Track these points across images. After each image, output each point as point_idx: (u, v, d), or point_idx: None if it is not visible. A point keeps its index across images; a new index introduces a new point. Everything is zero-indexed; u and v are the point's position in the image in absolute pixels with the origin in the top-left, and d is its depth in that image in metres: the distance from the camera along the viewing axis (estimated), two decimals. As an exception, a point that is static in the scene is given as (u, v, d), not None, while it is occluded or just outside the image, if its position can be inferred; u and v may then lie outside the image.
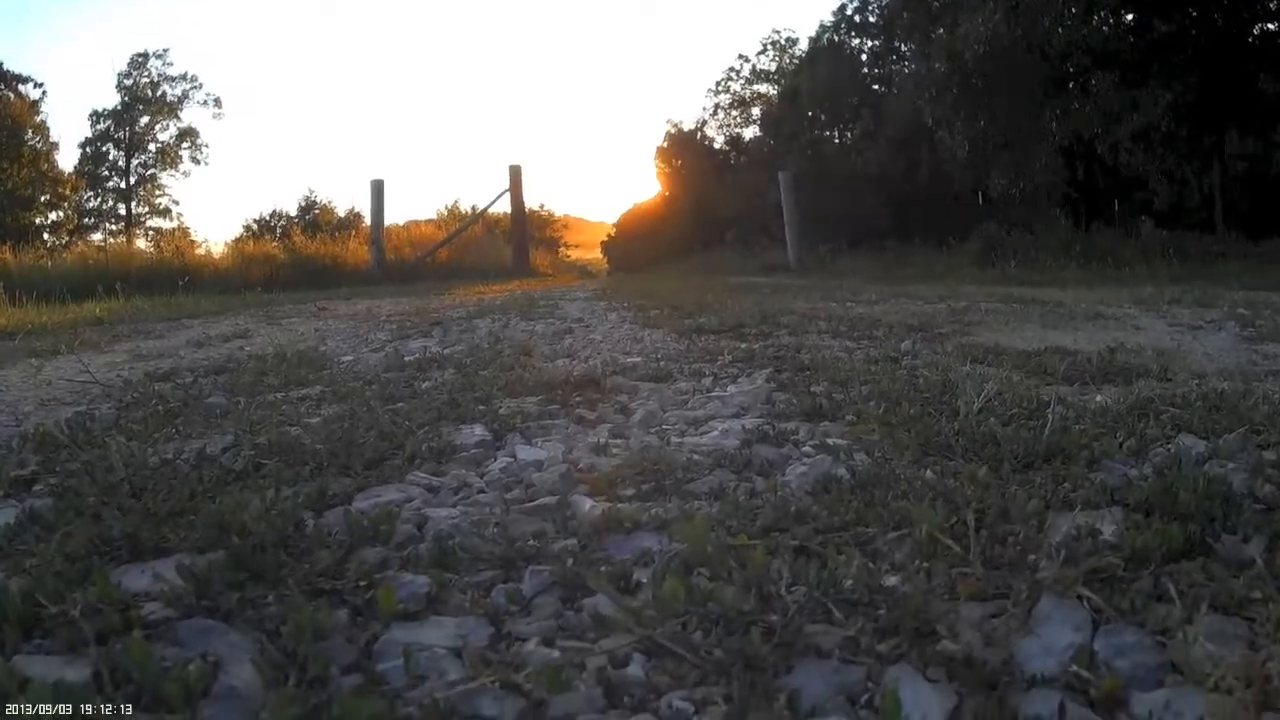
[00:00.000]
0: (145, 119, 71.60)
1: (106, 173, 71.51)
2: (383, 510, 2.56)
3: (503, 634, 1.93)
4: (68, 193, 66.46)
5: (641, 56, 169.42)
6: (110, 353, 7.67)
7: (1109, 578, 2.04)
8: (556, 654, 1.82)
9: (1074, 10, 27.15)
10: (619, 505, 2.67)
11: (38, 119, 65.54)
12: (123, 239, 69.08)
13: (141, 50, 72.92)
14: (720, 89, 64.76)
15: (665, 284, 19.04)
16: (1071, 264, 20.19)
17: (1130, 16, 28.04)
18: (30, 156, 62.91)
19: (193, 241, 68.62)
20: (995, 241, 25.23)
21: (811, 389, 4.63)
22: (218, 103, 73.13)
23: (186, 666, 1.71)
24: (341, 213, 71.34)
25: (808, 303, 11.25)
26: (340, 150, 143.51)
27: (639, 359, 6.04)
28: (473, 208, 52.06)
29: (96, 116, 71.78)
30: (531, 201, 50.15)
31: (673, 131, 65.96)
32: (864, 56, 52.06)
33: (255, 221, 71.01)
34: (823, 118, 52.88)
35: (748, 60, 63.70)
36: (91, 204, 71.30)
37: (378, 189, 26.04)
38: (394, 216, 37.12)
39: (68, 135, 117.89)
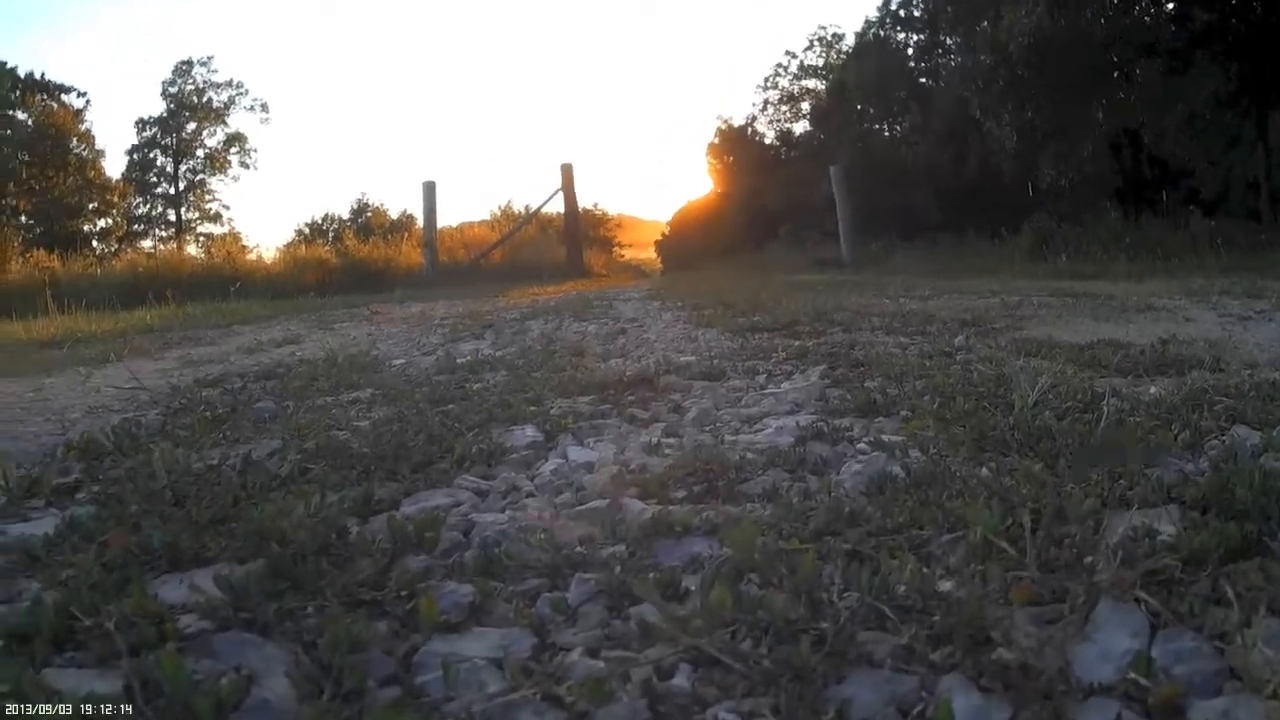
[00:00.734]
0: (192, 125, 71.88)
1: (155, 179, 71.74)
2: (428, 516, 2.50)
3: (546, 644, 1.88)
4: (116, 200, 66.75)
5: (691, 54, 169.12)
6: (160, 360, 7.66)
7: (1167, 580, 1.98)
8: (601, 665, 1.76)
9: (1115, 1, 26.93)
10: (670, 508, 2.61)
11: (82, 127, 65.97)
12: (173, 245, 69.53)
13: (185, 58, 73.57)
14: (769, 84, 64.48)
15: (719, 282, 18.93)
16: (1121, 256, 19.97)
17: (1171, 6, 27.82)
18: (76, 164, 63.27)
19: (244, 246, 69.16)
20: (1046, 234, 24.99)
21: (865, 385, 4.56)
22: (264, 108, 73.20)
23: (219, 680, 1.67)
24: (394, 215, 71.57)
25: (860, 299, 11.14)
26: (391, 152, 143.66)
27: (693, 358, 5.98)
28: (526, 208, 52.01)
29: (142, 124, 72.02)
30: (585, 201, 50.05)
31: (724, 128, 65.64)
32: (910, 50, 51.72)
33: (307, 225, 71.36)
34: (871, 111, 52.65)
35: (795, 56, 63.39)
36: (140, 210, 71.58)
37: (429, 190, 25.91)
38: (446, 219, 37.11)
39: (113, 143, 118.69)
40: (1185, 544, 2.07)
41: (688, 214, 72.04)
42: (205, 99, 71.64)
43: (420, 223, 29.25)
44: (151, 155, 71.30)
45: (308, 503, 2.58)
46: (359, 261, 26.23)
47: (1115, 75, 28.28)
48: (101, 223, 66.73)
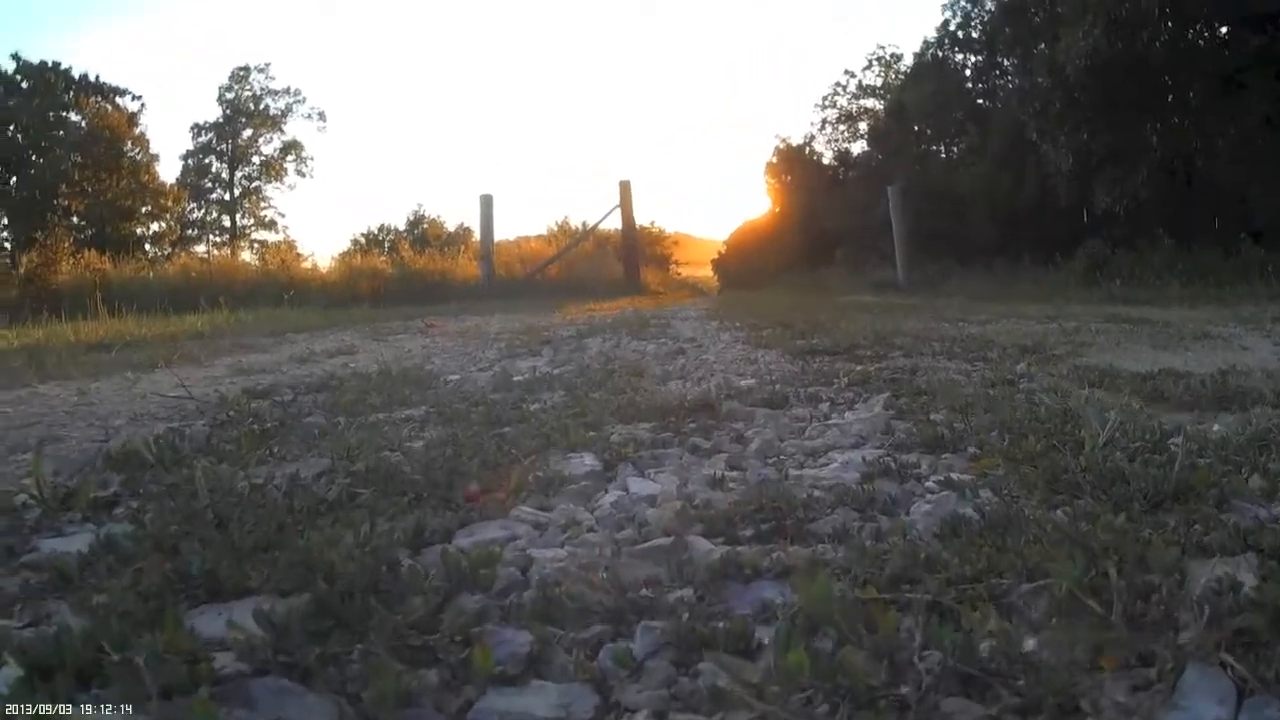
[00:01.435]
0: (248, 132, 72.17)
1: (210, 184, 72.10)
2: (484, 551, 2.35)
3: (610, 703, 1.74)
4: (169, 204, 67.03)
5: (751, 72, 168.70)
6: (209, 367, 7.56)
7: (1252, 642, 1.84)
8: (668, 729, 1.61)
9: (1170, 24, 26.68)
10: (738, 549, 2.47)
11: (137, 130, 66.28)
12: (227, 250, 69.87)
13: (243, 64, 74.25)
14: (827, 104, 64.33)
15: (776, 302, 18.79)
16: (1174, 281, 19.90)
17: (1224, 30, 27.52)
18: (130, 168, 63.55)
19: (299, 254, 69.64)
20: (1100, 259, 24.89)
21: (931, 417, 4.43)
22: (321, 116, 73.63)
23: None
24: (450, 227, 71.74)
25: (919, 322, 10.96)
26: (449, 164, 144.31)
27: (753, 381, 5.88)
28: (583, 224, 52.00)
29: (198, 129, 72.49)
30: (642, 218, 49.90)
31: (782, 147, 65.54)
32: (967, 71, 51.42)
33: (363, 235, 71.53)
34: (928, 132, 52.38)
35: (854, 75, 63.23)
36: (195, 215, 71.93)
37: (487, 204, 25.78)
38: (503, 232, 37.05)
39: (168, 148, 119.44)
40: (1269, 599, 1.93)
41: (745, 233, 71.92)
42: (262, 106, 71.92)
43: (477, 234, 29.20)
44: (207, 161, 71.79)
45: (357, 531, 2.46)
46: (415, 273, 26.18)
47: (1169, 99, 28.03)
48: (155, 226, 66.95)
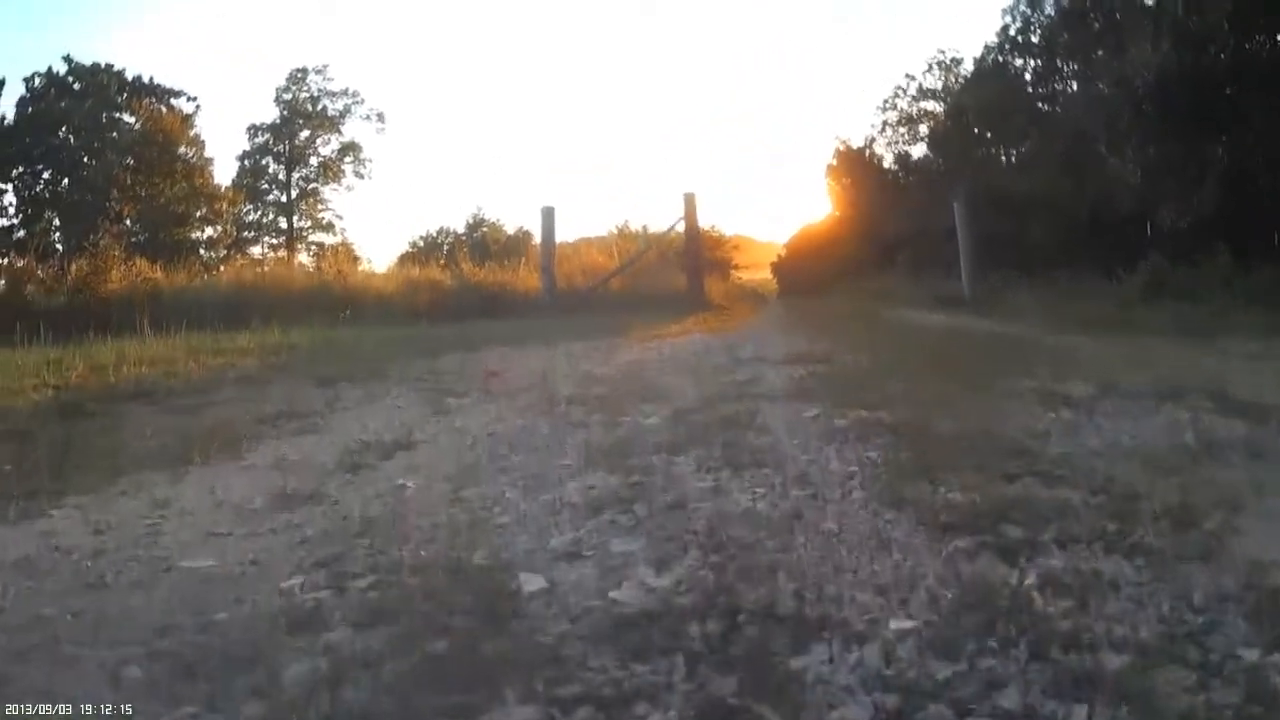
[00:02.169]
0: (305, 133, 72.19)
1: (266, 186, 72.28)
2: None
3: None
4: (224, 209, 67.06)
5: (811, 73, 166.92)
6: (247, 464, 6.60)
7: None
8: None
9: (1236, 36, 25.97)
10: None
11: (192, 132, 66.35)
12: (284, 253, 69.94)
13: (300, 65, 74.60)
14: (888, 106, 63.63)
15: (841, 315, 17.94)
16: (1240, 299, 19.31)
17: (1287, 41, 26.87)
18: (184, 171, 63.56)
19: (356, 258, 69.67)
20: (1162, 275, 24.28)
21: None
22: (380, 118, 73.66)
23: None
24: (510, 230, 71.56)
25: (1035, 380, 9.33)
26: (509, 165, 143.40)
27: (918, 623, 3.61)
28: (643, 227, 51.46)
29: (255, 130, 72.59)
30: (702, 222, 49.55)
31: (842, 149, 64.84)
32: (1027, 76, 50.80)
33: (422, 239, 71.47)
34: (988, 135, 51.66)
35: (914, 79, 62.47)
36: (251, 217, 72.10)
37: (548, 216, 24.88)
38: (563, 234, 36.27)
39: (224, 148, 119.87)
40: None
41: (804, 238, 71.01)
42: (320, 107, 71.94)
43: (537, 239, 28.74)
44: (264, 162, 72.08)
45: None
46: (474, 285, 25.40)
47: (1234, 112, 27.31)
48: (209, 231, 66.99)
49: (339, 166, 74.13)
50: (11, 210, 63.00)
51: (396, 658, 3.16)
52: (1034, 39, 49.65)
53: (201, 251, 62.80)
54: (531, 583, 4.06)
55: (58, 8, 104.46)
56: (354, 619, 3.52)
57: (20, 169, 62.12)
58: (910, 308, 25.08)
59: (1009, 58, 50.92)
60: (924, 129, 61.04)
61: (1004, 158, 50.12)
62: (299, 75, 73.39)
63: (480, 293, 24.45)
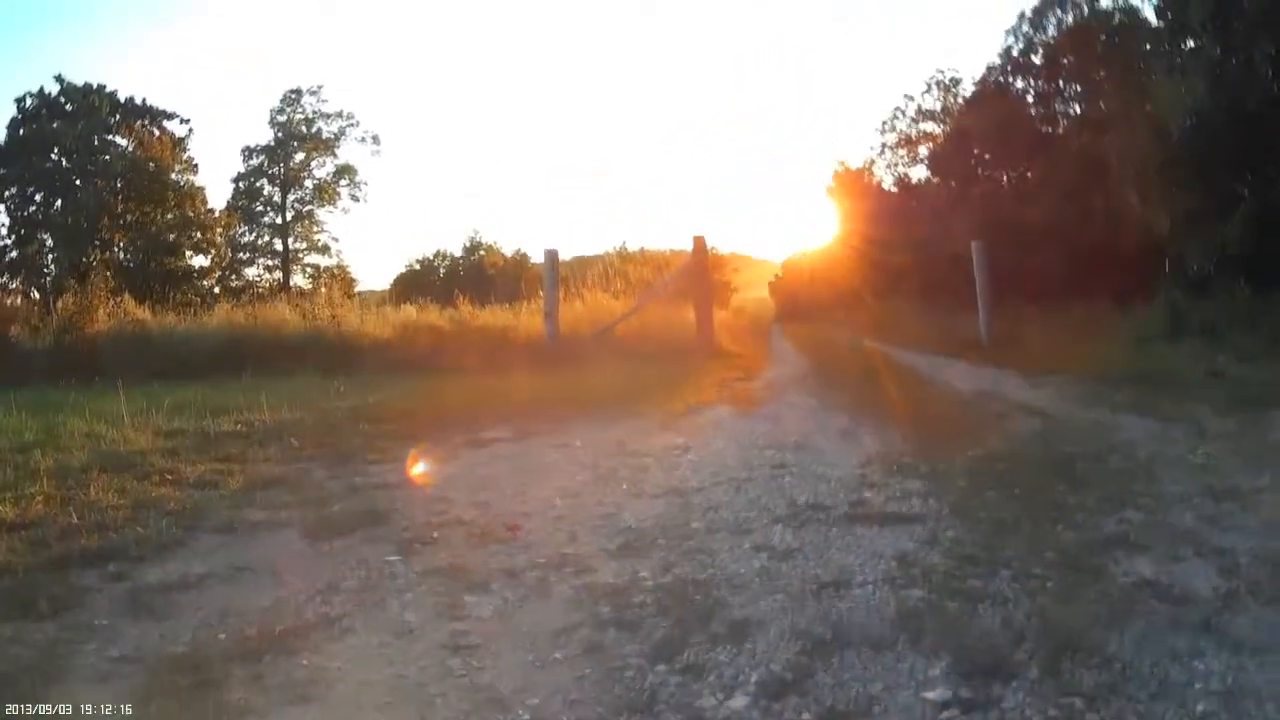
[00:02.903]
0: (300, 155, 71.98)
1: (261, 208, 72.08)
2: None
3: None
4: (216, 239, 66.68)
5: (811, 77, 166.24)
6: (180, 617, 5.51)
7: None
8: None
9: (1270, 73, 25.39)
10: None
11: (185, 155, 66.06)
12: (279, 275, 69.69)
13: (294, 86, 74.27)
14: (886, 128, 63.16)
15: (872, 387, 16.88)
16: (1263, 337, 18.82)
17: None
18: (175, 200, 63.10)
19: (351, 280, 69.27)
20: (1182, 311, 23.71)
21: None
22: (375, 140, 73.47)
23: None
24: (508, 252, 71.32)
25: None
26: (506, 173, 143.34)
27: None
28: (641, 249, 50.84)
29: (249, 151, 72.37)
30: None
31: (840, 171, 64.50)
32: (1030, 98, 50.33)
33: (418, 262, 71.22)
34: (986, 157, 51.11)
35: (913, 100, 61.98)
36: (246, 239, 71.86)
37: (551, 261, 23.50)
38: (561, 250, 35.32)
39: (218, 169, 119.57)
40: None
41: (803, 259, 70.71)
42: (315, 129, 71.75)
43: (535, 259, 27.94)
44: (258, 184, 71.85)
45: None
46: (475, 329, 24.34)
47: (1265, 151, 26.71)
48: (200, 260, 66.62)
49: (334, 189, 73.85)
50: (4, 230, 62.76)
51: None
52: (1036, 60, 49.45)
53: (195, 278, 62.65)
54: None
55: (49, 26, 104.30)
56: None
57: (13, 190, 61.68)
58: (927, 352, 24.16)
59: (1011, 79, 50.63)
60: (924, 150, 60.80)
61: (1004, 177, 49.63)
62: (293, 97, 73.24)
63: (481, 337, 23.34)
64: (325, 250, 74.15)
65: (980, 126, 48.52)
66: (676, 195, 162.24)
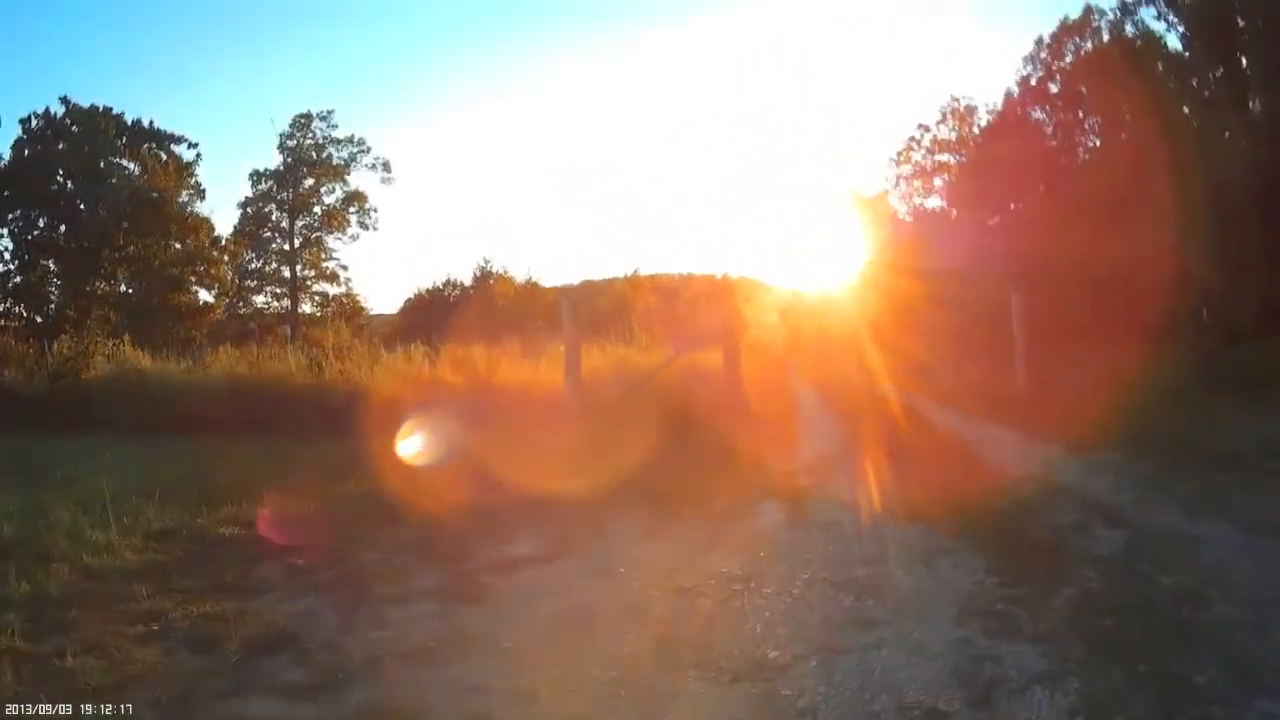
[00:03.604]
0: (309, 181, 71.31)
1: (269, 234, 71.42)
2: None
3: None
4: (222, 274, 65.87)
5: (818, 121, 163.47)
6: None
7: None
8: None
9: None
10: None
11: (192, 180, 65.33)
12: (286, 302, 69.05)
13: (304, 111, 73.15)
14: (902, 159, 62.33)
15: (908, 468, 15.60)
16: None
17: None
18: (179, 231, 62.23)
19: (360, 309, 68.60)
20: (1219, 361, 22.96)
21: None
22: (386, 167, 72.68)
23: None
24: (519, 279, 70.54)
25: None
26: (514, 205, 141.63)
27: None
28: (652, 276, 50.03)
29: (258, 176, 71.67)
30: (711, 268, 48.11)
31: (854, 199, 63.69)
32: (1049, 129, 49.55)
33: (428, 291, 70.46)
34: (1006, 191, 50.17)
35: (928, 130, 61.09)
36: (253, 265, 71.15)
37: (570, 303, 22.16)
38: (568, 274, 33.97)
39: (225, 193, 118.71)
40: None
41: (814, 287, 69.21)
42: (325, 155, 71.07)
43: (546, 283, 26.82)
44: (266, 209, 71.22)
45: None
46: (494, 387, 22.89)
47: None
48: (204, 295, 65.82)
49: (344, 216, 72.96)
50: (8, 255, 61.58)
51: None
52: (1054, 87, 48.77)
53: (199, 314, 61.87)
54: None
55: (54, 46, 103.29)
56: None
57: (16, 213, 60.81)
58: (962, 411, 22.96)
59: (1029, 110, 50.02)
60: (939, 181, 60.14)
61: (1025, 211, 48.61)
62: (303, 121, 72.39)
63: (499, 395, 21.85)
64: (334, 279, 73.56)
65: (998, 158, 47.89)
66: (686, 216, 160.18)
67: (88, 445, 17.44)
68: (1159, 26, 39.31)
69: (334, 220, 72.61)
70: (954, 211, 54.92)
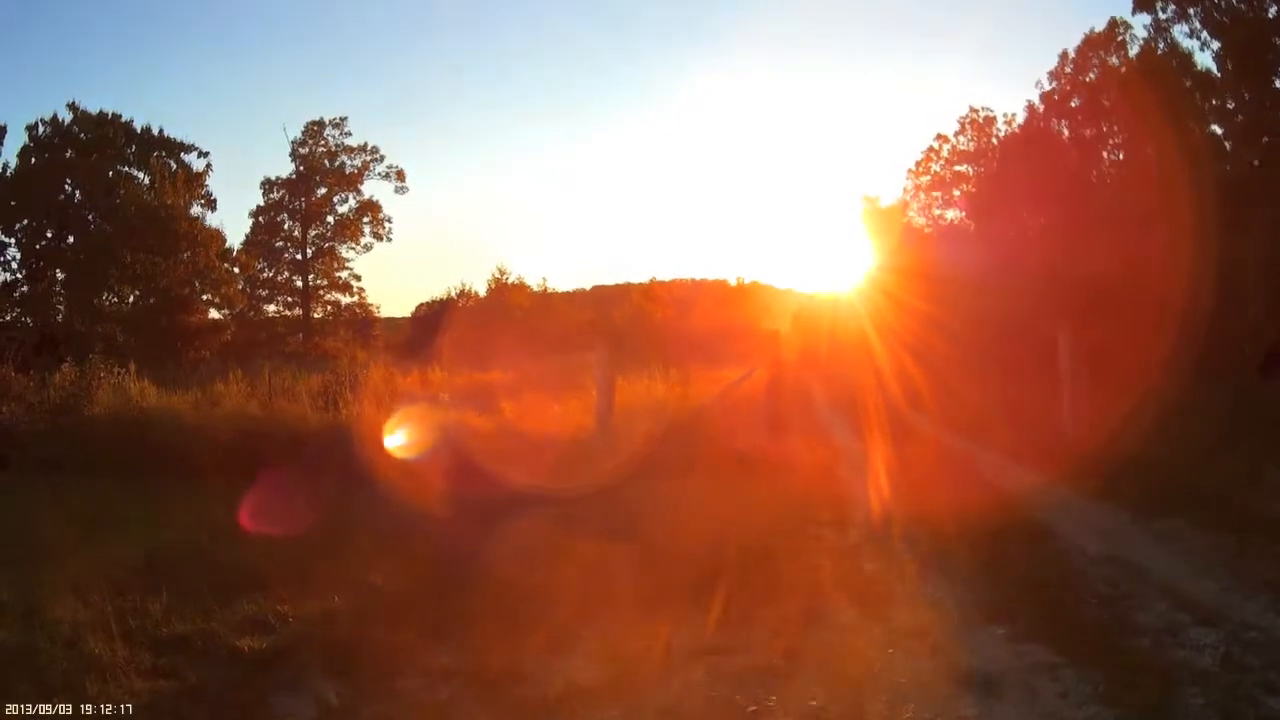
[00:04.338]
0: (322, 190, 70.89)
1: (281, 243, 70.97)
2: None
3: None
4: (232, 294, 65.14)
5: (833, 126, 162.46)
6: None
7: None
8: None
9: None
10: None
11: (203, 190, 64.77)
12: (298, 311, 68.57)
13: (316, 118, 72.63)
14: (920, 170, 61.93)
15: (972, 539, 14.22)
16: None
17: None
18: (189, 247, 61.41)
19: (374, 317, 68.18)
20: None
21: None
22: (400, 175, 72.32)
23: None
24: (534, 285, 70.39)
25: None
26: (529, 206, 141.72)
27: None
28: (668, 280, 49.43)
29: (269, 185, 71.23)
30: (725, 273, 47.53)
31: (869, 208, 63.28)
32: (1072, 143, 49.08)
33: (440, 300, 70.28)
34: (1029, 207, 49.58)
35: (947, 140, 60.63)
36: (266, 274, 70.69)
37: (604, 358, 20.94)
38: (581, 278, 33.17)
39: (238, 199, 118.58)
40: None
41: (826, 298, 68.43)
42: (338, 163, 70.70)
43: (561, 288, 26.01)
44: (279, 218, 70.97)
45: None
46: (518, 433, 21.78)
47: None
48: (214, 314, 65.25)
49: (357, 225, 72.74)
50: (15, 265, 61.17)
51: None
52: (1073, 103, 48.32)
53: (209, 334, 61.15)
54: None
55: (63, 51, 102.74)
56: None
57: (24, 222, 60.05)
58: (1011, 457, 21.71)
59: (1052, 123, 49.66)
60: (957, 192, 60.06)
61: (1048, 227, 47.89)
62: (315, 128, 71.91)
63: (525, 440, 20.76)
64: (346, 289, 73.72)
65: (1020, 171, 47.52)
66: (698, 220, 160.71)
67: (89, 493, 16.97)
68: (1191, 44, 38.91)
69: (347, 230, 72.62)
70: (972, 224, 54.63)
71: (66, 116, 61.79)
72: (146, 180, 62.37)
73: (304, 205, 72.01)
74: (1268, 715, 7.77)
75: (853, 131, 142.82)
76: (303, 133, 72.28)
